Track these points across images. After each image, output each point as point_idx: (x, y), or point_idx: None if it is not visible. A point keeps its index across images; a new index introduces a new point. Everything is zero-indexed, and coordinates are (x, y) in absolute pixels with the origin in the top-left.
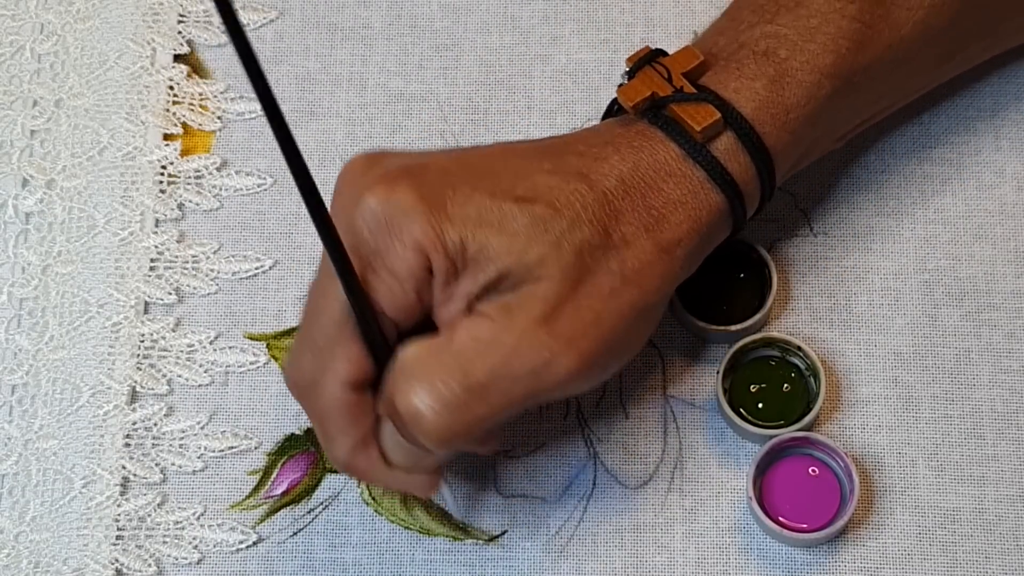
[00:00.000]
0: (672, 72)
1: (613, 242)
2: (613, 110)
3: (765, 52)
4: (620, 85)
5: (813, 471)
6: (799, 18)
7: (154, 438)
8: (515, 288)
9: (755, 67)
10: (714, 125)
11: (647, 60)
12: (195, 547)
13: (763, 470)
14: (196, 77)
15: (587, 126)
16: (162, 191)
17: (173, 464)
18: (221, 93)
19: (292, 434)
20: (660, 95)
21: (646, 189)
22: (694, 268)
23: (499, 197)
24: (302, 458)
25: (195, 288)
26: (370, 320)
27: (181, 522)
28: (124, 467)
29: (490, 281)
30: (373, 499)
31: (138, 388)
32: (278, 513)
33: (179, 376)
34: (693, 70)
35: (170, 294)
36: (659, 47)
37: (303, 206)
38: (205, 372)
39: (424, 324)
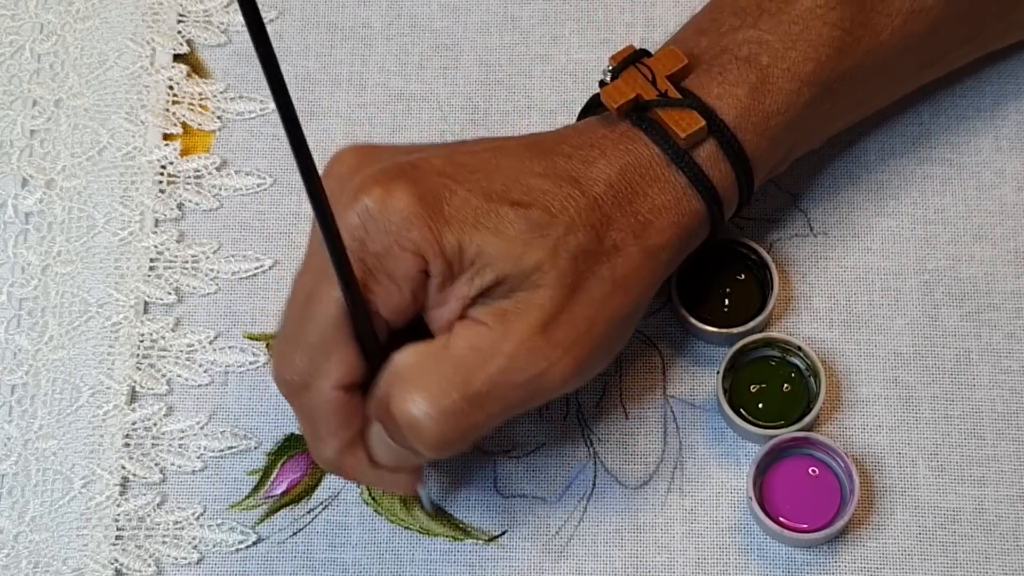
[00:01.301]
0: (656, 74)
1: (604, 248)
2: (592, 106)
3: (747, 58)
4: (601, 82)
5: (813, 471)
6: (781, 23)
7: (154, 438)
8: (511, 293)
9: (737, 73)
10: (698, 132)
11: (631, 60)
12: (195, 547)
13: (763, 470)
14: (196, 77)
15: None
16: (162, 191)
17: (173, 464)
18: (221, 93)
19: (292, 434)
20: (645, 98)
21: (632, 195)
22: (673, 269)
23: (495, 200)
24: (302, 458)
25: (195, 288)
26: (365, 322)
27: (181, 522)
28: (124, 467)
29: (487, 285)
30: (373, 499)
31: (138, 388)
32: (278, 513)
33: (179, 376)
34: (677, 72)
35: (170, 294)
36: (643, 48)
37: (303, 205)
38: (205, 372)
39: (414, 324)
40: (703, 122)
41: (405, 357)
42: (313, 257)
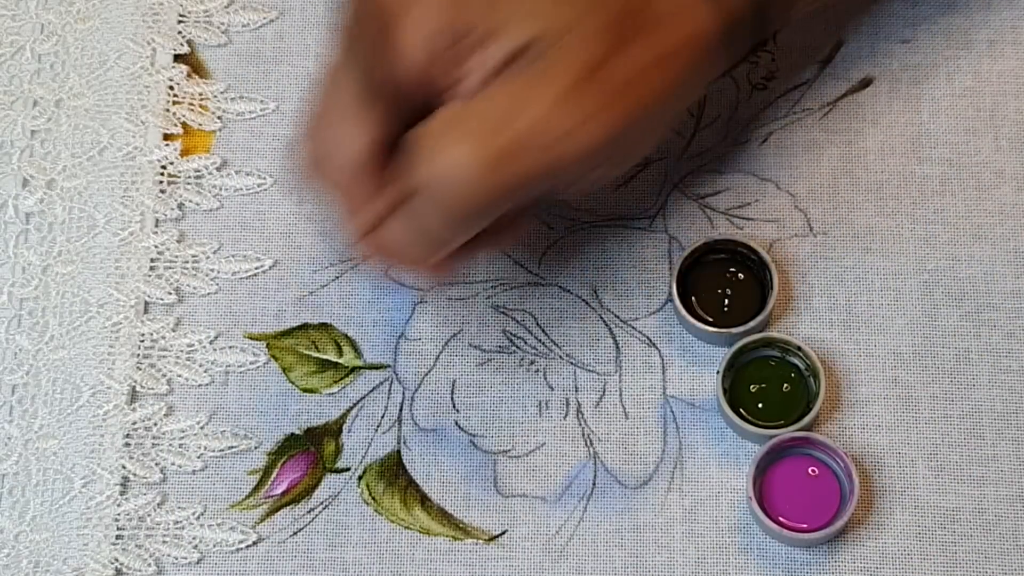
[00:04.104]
0: None
1: (647, 18)
2: None
3: None
4: None
5: (813, 471)
6: None
7: (154, 438)
8: (547, 51)
9: None
10: None
11: None
12: (195, 547)
13: (763, 470)
14: (196, 77)
15: None
16: (162, 191)
17: (173, 464)
18: (221, 93)
19: (292, 434)
20: None
21: None
22: (697, 93)
23: None
24: (302, 458)
25: (195, 288)
26: (386, 86)
27: (181, 522)
28: (124, 467)
29: (518, 48)
30: (373, 499)
31: (138, 388)
32: (278, 513)
33: (179, 376)
34: None
35: (170, 294)
36: None
37: (303, 205)
38: (205, 372)
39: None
40: None
41: (435, 117)
42: (341, 38)
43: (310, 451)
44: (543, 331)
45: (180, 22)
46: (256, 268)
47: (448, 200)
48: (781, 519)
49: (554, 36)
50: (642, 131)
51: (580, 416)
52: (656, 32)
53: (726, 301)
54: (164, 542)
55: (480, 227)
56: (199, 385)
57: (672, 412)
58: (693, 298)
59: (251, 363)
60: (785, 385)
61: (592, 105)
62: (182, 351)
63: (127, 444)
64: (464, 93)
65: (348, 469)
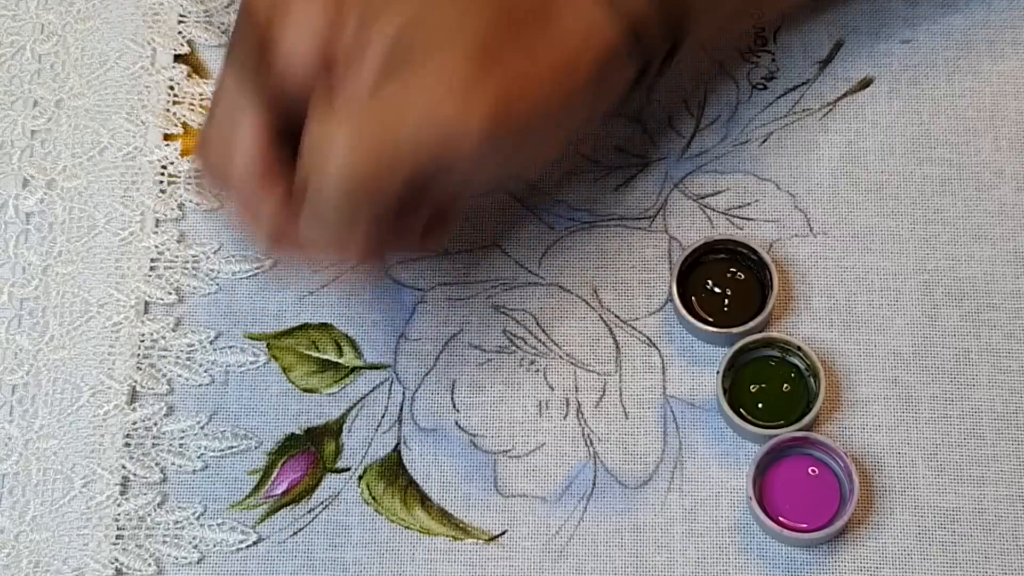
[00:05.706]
0: None
1: (545, 6)
2: None
3: None
4: None
5: (813, 471)
6: None
7: (154, 438)
8: (429, 39)
9: None
10: None
11: None
12: (195, 547)
13: (763, 470)
14: (196, 77)
15: None
16: (162, 191)
17: (173, 464)
18: None
19: (292, 434)
20: None
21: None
22: (602, 105)
23: None
24: (302, 458)
25: (195, 288)
26: (269, 89)
27: (181, 522)
28: (124, 467)
29: (398, 33)
30: (373, 499)
31: (138, 388)
32: (278, 513)
33: (179, 376)
34: None
35: (170, 294)
36: None
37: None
38: (205, 372)
39: None
40: None
41: (322, 103)
42: (227, 53)
43: (310, 451)
44: (543, 331)
45: (180, 22)
46: (256, 268)
47: (332, 171)
48: (781, 519)
49: (436, 19)
50: (544, 131)
51: (580, 416)
52: (554, 22)
53: (726, 301)
54: (164, 542)
55: (376, 211)
56: (199, 385)
57: (672, 412)
58: (693, 298)
59: (251, 363)
60: (785, 385)
61: (487, 95)
62: (182, 351)
63: (127, 444)
64: (353, 89)
65: (348, 469)
